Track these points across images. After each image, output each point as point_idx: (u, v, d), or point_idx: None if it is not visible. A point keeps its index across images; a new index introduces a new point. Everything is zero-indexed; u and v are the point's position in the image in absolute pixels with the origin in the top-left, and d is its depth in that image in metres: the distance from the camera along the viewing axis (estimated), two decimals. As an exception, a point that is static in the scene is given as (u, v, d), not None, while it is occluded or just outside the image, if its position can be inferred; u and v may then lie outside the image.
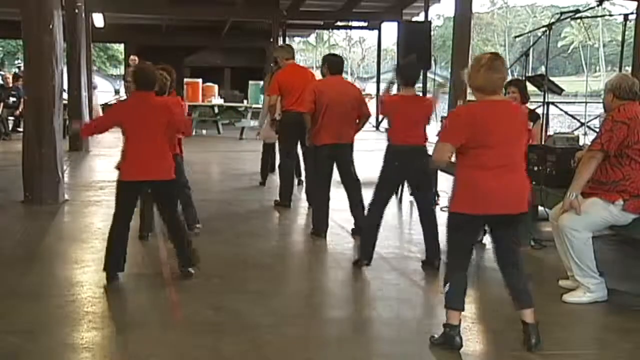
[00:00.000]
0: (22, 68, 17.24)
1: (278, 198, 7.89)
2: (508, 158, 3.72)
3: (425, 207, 5.49)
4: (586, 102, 13.51)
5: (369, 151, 9.57)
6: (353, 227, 6.47)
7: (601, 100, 5.02)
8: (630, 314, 4.52)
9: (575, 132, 9.38)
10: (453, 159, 3.84)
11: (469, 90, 4.15)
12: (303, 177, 8.47)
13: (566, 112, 12.68)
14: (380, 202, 5.43)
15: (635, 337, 4.13)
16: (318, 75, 7.48)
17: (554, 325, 4.11)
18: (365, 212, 5.58)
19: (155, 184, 4.97)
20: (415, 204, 5.68)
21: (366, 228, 5.51)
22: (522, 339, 3.80)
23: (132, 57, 16.70)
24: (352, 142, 6.35)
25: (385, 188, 5.42)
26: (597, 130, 5.01)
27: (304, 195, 7.93)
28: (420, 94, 5.55)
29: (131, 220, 5.05)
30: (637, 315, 4.51)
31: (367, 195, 6.47)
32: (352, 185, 6.37)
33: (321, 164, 6.38)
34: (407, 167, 5.31)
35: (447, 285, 3.84)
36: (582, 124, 11.82)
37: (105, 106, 17.72)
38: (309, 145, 6.49)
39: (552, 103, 10.01)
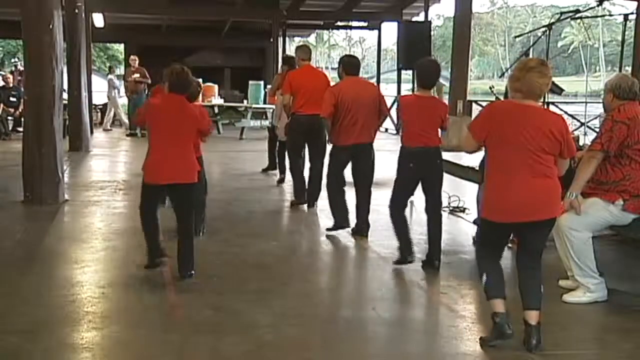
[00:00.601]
0: (18, 66, 17.35)
1: (294, 198, 7.90)
2: (530, 162, 3.71)
3: (434, 207, 5.48)
4: (586, 102, 13.52)
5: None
6: (354, 227, 6.47)
7: (601, 100, 5.02)
8: (630, 314, 4.52)
9: (575, 132, 9.37)
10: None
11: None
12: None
13: (566, 112, 12.68)
14: (400, 205, 5.44)
15: (635, 337, 4.13)
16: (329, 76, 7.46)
17: (554, 325, 4.11)
18: (389, 216, 5.56)
19: (177, 186, 4.99)
20: (424, 203, 5.63)
21: (397, 232, 5.48)
22: (522, 339, 3.80)
23: (132, 57, 16.69)
24: (372, 141, 6.36)
25: (403, 190, 5.43)
26: (597, 130, 5.01)
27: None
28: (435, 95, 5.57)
29: (155, 216, 5.11)
30: (637, 315, 4.51)
31: (376, 195, 6.51)
32: (363, 183, 6.38)
33: (340, 164, 6.41)
34: (421, 168, 5.33)
35: (484, 276, 3.89)
36: (582, 124, 11.84)
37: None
38: (331, 144, 6.49)
39: (552, 103, 10.04)
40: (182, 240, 5.06)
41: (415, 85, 5.53)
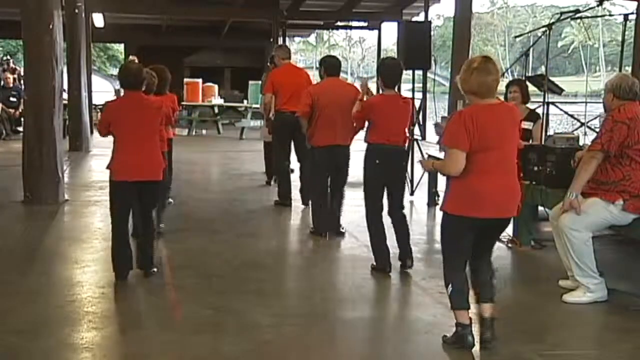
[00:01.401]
0: (10, 63, 17.25)
1: (277, 198, 7.92)
2: (506, 160, 3.73)
3: (397, 207, 5.44)
4: (586, 102, 13.48)
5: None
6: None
7: (601, 100, 5.03)
8: (630, 314, 4.52)
9: (575, 132, 9.37)
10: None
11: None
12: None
13: (566, 112, 12.68)
14: (377, 213, 5.39)
15: (635, 337, 4.13)
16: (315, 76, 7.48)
17: (554, 325, 4.11)
18: (366, 224, 5.51)
19: (144, 184, 4.97)
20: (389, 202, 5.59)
21: (374, 239, 5.43)
22: (478, 334, 3.78)
23: (131, 57, 16.67)
24: (349, 143, 6.31)
25: (375, 192, 5.36)
26: (597, 130, 5.01)
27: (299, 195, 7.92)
28: (402, 94, 5.61)
29: (128, 218, 5.05)
30: (637, 315, 4.51)
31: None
32: (336, 185, 6.42)
33: (319, 165, 6.40)
34: (388, 166, 5.30)
35: (450, 286, 3.83)
36: (582, 124, 11.81)
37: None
38: (308, 146, 6.50)
39: (552, 103, 10.00)
40: (143, 236, 5.09)
41: (380, 85, 5.46)
